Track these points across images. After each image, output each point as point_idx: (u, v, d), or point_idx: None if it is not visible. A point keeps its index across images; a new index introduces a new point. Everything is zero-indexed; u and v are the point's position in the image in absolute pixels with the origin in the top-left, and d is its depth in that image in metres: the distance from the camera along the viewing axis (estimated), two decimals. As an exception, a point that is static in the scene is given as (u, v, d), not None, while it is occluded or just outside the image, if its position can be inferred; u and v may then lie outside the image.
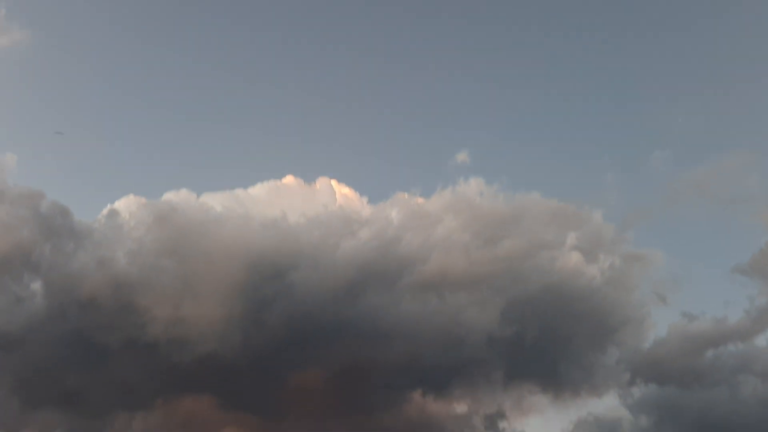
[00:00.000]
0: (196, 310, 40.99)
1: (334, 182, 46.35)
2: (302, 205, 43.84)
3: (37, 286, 42.07)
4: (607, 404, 61.76)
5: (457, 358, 43.41)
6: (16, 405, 52.60)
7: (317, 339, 45.08)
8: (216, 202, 41.30)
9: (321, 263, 39.43)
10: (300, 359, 50.52)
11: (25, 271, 41.63)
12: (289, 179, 47.29)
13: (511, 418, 63.13)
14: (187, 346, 42.28)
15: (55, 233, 39.63)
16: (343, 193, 45.99)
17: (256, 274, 39.03)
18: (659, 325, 53.04)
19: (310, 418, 58.66)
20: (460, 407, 52.04)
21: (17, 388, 50.34)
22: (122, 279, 40.38)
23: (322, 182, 46.45)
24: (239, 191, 43.74)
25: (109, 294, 40.40)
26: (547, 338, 42.90)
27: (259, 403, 54.03)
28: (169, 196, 41.15)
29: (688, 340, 40.85)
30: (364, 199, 46.83)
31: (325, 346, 44.98)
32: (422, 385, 50.67)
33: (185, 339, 41.93)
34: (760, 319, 41.43)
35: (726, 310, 63.38)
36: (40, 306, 43.97)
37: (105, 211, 40.22)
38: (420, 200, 44.15)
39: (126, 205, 40.48)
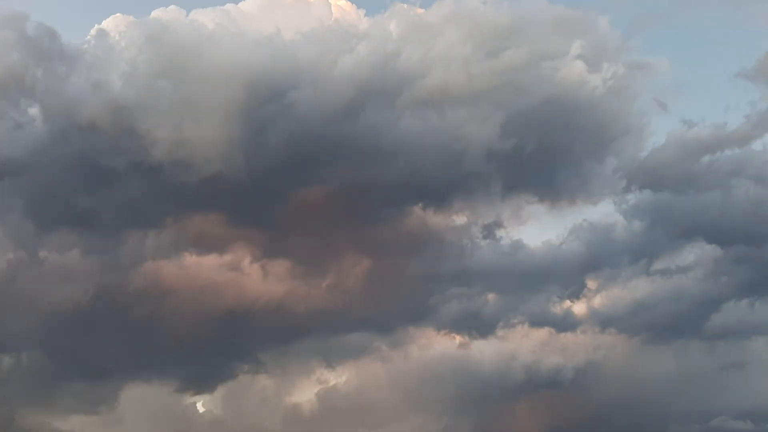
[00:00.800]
0: (197, 132, 41.02)
1: (328, -7, 44.25)
2: (297, 20, 42.21)
3: (35, 111, 41.75)
4: (602, 211, 63.82)
5: (456, 172, 44.16)
6: (31, 227, 54.49)
7: (318, 157, 45.63)
8: (207, 18, 39.73)
9: (319, 82, 38.85)
10: (302, 177, 51.47)
11: (21, 96, 41.11)
12: (281, -8, 45.14)
13: (508, 228, 65.24)
14: (191, 168, 42.88)
15: (45, 56, 38.68)
16: (338, 5, 44.05)
17: (254, 94, 38.58)
18: (658, 133, 53.49)
19: (314, 232, 60.93)
20: (459, 219, 53.82)
21: (30, 211, 51.86)
22: (119, 102, 40.03)
23: (315, -6, 44.38)
24: (230, 6, 41.90)
25: (108, 118, 40.22)
26: (546, 150, 43.38)
27: (265, 220, 55.90)
28: (158, 13, 39.52)
29: (686, 146, 41.31)
30: (361, 12, 44.97)
31: (327, 164, 45.63)
32: (422, 199, 52.04)
33: (189, 161, 42.42)
34: (759, 123, 41.55)
35: (726, 116, 63.50)
36: (41, 131, 43.93)
37: (93, 32, 38.88)
38: (420, 11, 42.38)
39: (114, 24, 39.03)
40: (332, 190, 54.33)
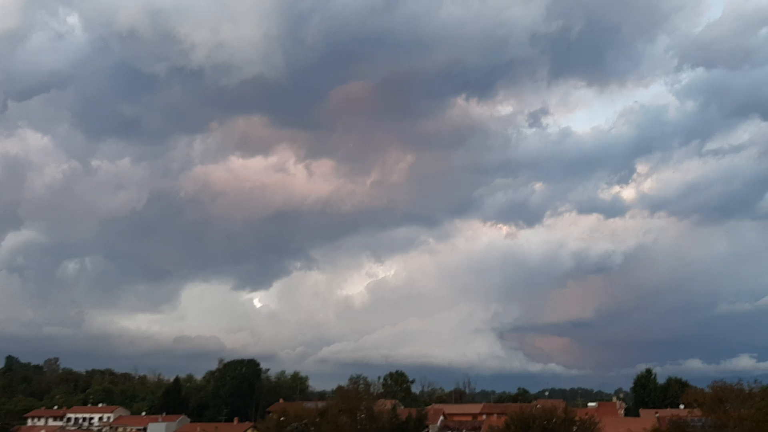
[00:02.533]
0: (235, 33, 40.42)
1: None
2: None
3: (74, 20, 41.40)
4: (654, 92, 61.93)
5: (500, 59, 42.98)
6: (81, 138, 55.06)
7: (357, 51, 44.67)
8: None
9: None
10: (342, 73, 50.45)
11: (59, 5, 40.65)
12: None
13: (555, 115, 63.66)
14: (231, 70, 42.57)
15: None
16: None
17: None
18: (714, 7, 50.78)
19: (356, 128, 60.59)
20: (504, 109, 52.85)
21: (78, 122, 52.22)
22: (157, 6, 39.39)
23: None
24: None
25: (146, 23, 39.79)
26: (593, 30, 41.72)
27: (307, 119, 55.53)
28: None
29: (743, 18, 39.38)
30: None
31: (366, 58, 44.78)
32: (465, 89, 50.83)
33: (229, 63, 42.06)
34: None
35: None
36: (81, 40, 43.53)
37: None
38: None
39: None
40: (372, 86, 53.28)
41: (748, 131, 41.79)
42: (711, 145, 42.07)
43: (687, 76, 42.26)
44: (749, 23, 39.15)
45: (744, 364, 29.72)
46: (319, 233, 59.10)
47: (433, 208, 56.45)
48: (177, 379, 34.40)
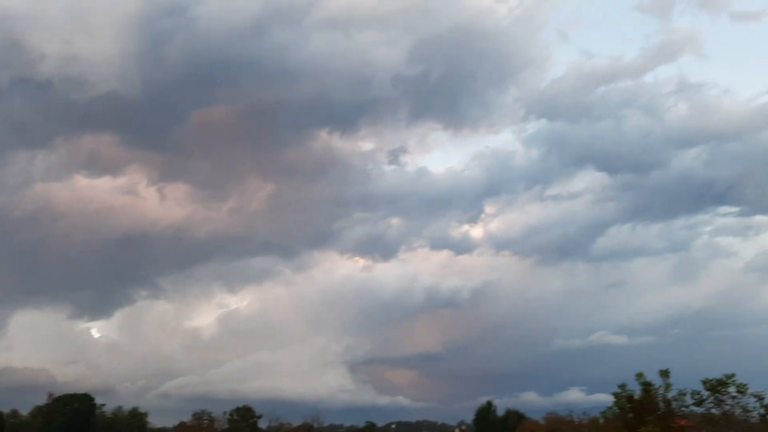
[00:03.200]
0: (90, 47, 38.47)
1: None
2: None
3: None
4: (503, 139, 65.69)
5: (364, 96, 43.97)
6: None
7: (221, 76, 43.92)
8: None
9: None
10: (204, 97, 49.34)
11: None
12: None
13: (414, 154, 65.87)
14: (84, 85, 40.28)
15: None
16: None
17: (153, 6, 36.46)
18: (559, 64, 55.34)
19: (215, 154, 59.16)
20: (366, 145, 53.92)
21: None
22: (3, 12, 36.72)
23: None
24: None
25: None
26: (451, 77, 43.90)
27: (163, 141, 53.52)
28: None
29: (582, 77, 43.02)
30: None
31: (230, 84, 44.09)
32: (329, 123, 51.47)
33: (81, 78, 39.77)
34: (653, 57, 43.83)
35: (623, 48, 66.38)
36: None
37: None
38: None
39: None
40: (235, 112, 52.55)
41: (584, 180, 45.40)
42: (551, 191, 45.25)
43: (532, 126, 45.37)
44: (588, 82, 42.85)
45: (575, 396, 31.96)
46: (169, 260, 56.74)
47: (291, 239, 56.04)
48: (0, 415, 31.43)
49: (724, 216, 40.41)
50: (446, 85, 43.83)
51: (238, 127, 54.13)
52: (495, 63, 43.82)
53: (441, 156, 62.02)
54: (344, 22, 40.61)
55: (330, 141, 50.46)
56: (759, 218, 40.30)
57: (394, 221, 50.89)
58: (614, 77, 42.13)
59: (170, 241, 56.19)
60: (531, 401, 32.38)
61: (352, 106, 44.96)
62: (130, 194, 57.42)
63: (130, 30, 38.25)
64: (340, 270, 54.43)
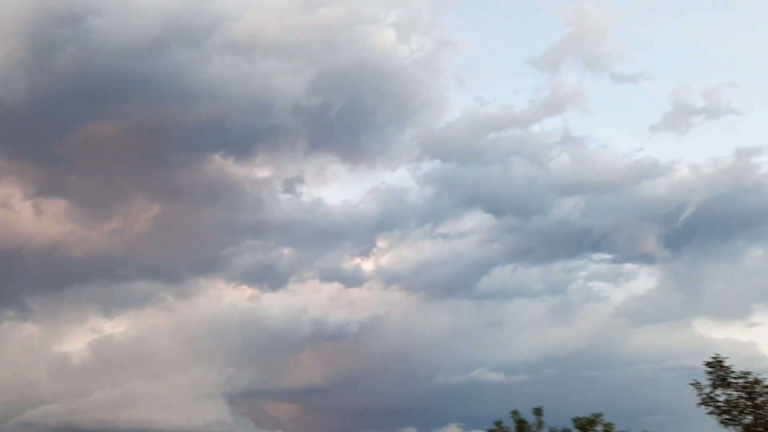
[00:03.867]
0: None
1: None
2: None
3: None
4: (399, 176, 66.77)
5: (262, 123, 43.56)
6: None
7: (113, 91, 42.23)
8: None
9: (124, 11, 35.89)
10: (93, 111, 47.19)
11: None
12: None
13: (310, 184, 65.89)
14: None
15: None
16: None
17: (47, 13, 34.77)
18: (454, 109, 57.26)
19: (100, 171, 56.40)
20: (262, 172, 53.35)
21: None
22: None
23: None
24: None
25: None
26: (351, 111, 44.40)
27: (43, 154, 50.54)
28: None
29: (476, 122, 44.64)
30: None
31: (122, 100, 42.47)
32: (224, 147, 50.54)
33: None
34: (540, 109, 46.24)
35: (513, 98, 69.59)
36: None
37: None
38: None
39: None
40: (125, 129, 50.54)
41: (472, 220, 46.75)
42: (441, 229, 46.27)
43: (427, 166, 46.36)
44: (481, 128, 44.41)
45: (452, 432, 32.52)
46: (40, 280, 53.16)
47: (176, 264, 53.96)
48: None
49: (598, 262, 42.75)
50: (346, 119, 44.17)
51: (127, 144, 52.13)
52: (395, 102, 44.68)
53: (337, 188, 62.26)
54: (247, 47, 40.18)
55: (224, 165, 49.49)
56: (628, 266, 42.85)
57: (286, 251, 50.24)
58: (505, 125, 43.97)
59: (44, 260, 52.79)
60: (411, 436, 32.71)
61: (250, 132, 44.34)
62: (3, 208, 53.81)
63: (18, 36, 36.27)
64: (225, 298, 53.01)
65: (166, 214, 54.47)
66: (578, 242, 43.10)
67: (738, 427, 11.55)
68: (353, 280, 48.41)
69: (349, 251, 49.57)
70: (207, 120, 43.68)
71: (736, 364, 11.74)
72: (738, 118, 44.76)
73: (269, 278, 50.86)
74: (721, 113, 44.14)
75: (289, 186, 50.79)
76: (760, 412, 11.40)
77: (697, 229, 39.39)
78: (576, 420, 17.48)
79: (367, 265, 49.60)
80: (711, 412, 11.63)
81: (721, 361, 11.65)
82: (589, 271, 44.89)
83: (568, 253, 44.87)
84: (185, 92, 40.21)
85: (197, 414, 43.26)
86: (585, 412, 17.70)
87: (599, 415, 17.34)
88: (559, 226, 42.93)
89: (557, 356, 39.52)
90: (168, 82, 39.34)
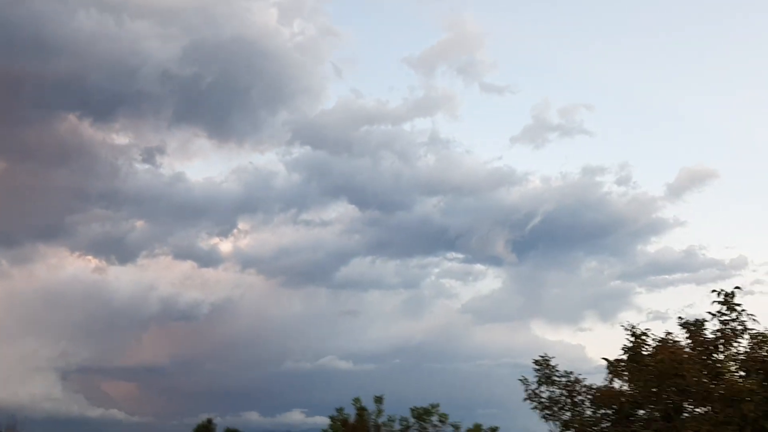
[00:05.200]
0: None
1: None
2: None
3: None
4: (268, 158, 65.76)
5: (126, 87, 41.38)
6: None
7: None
8: None
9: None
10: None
11: None
12: None
13: (172, 157, 63.21)
14: None
15: None
16: None
17: None
18: (331, 98, 57.34)
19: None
20: (120, 138, 50.51)
21: None
22: None
23: None
24: None
25: None
26: (224, 87, 43.18)
27: None
28: None
29: (350, 114, 44.99)
30: None
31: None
32: (81, 108, 47.48)
33: None
34: (413, 108, 47.37)
35: (389, 94, 70.79)
36: None
37: None
38: None
39: None
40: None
41: (336, 210, 47.09)
42: (305, 216, 46.23)
43: (297, 151, 46.11)
44: (354, 120, 44.80)
45: (296, 418, 32.60)
46: None
47: (14, 226, 50.01)
48: None
49: (451, 261, 44.59)
50: (218, 93, 42.92)
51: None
52: (271, 83, 43.98)
53: (201, 164, 60.49)
54: (117, 5, 38.02)
55: (79, 127, 46.39)
56: (478, 266, 45.12)
57: (139, 224, 47.99)
58: (378, 119, 44.66)
59: None
60: (252, 421, 32.37)
61: (111, 95, 41.98)
62: None
63: None
64: (68, 268, 49.77)
65: (10, 173, 50.31)
66: (435, 240, 44.72)
67: (557, 422, 12.35)
68: (209, 260, 47.14)
69: (207, 230, 48.12)
70: (66, 77, 40.86)
71: (565, 364, 12.54)
72: (588, 138, 48.41)
73: (118, 251, 48.31)
74: (574, 132, 47.56)
75: (149, 156, 48.44)
76: (577, 409, 12.25)
77: (543, 237, 42.15)
78: (414, 410, 18.13)
79: (225, 246, 48.39)
80: (535, 407, 12.36)
81: (548, 360, 12.42)
82: (442, 269, 46.72)
83: (425, 249, 46.45)
84: (45, 44, 37.46)
85: (25, 388, 40.40)
86: (425, 403, 18.42)
87: (436, 405, 18.09)
88: (419, 223, 44.34)
89: (404, 347, 40.80)
90: (26, 32, 36.46)
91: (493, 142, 66.30)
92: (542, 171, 55.31)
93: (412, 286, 45.77)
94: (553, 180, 45.17)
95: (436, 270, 46.18)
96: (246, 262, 46.44)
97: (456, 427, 17.99)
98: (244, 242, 48.07)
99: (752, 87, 57.98)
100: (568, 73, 58.01)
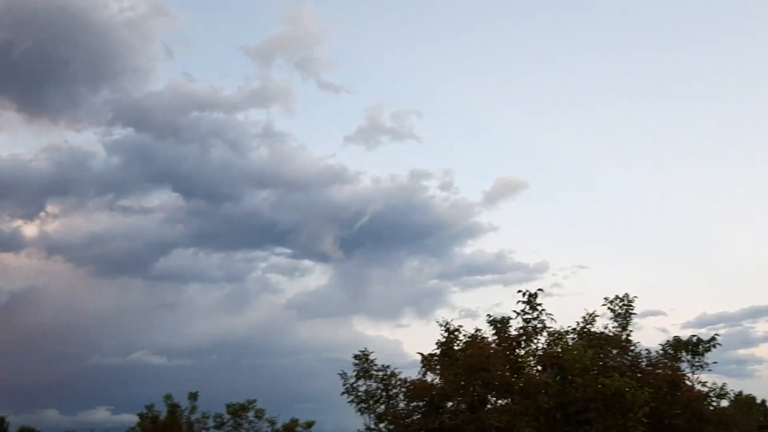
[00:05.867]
0: None
1: None
2: None
3: None
4: (84, 138, 61.13)
5: None
6: None
7: None
8: None
9: None
10: None
11: None
12: None
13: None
14: None
15: None
16: None
17: None
18: (160, 80, 54.44)
19: None
20: None
21: None
22: None
23: None
24: None
25: None
26: (40, 57, 39.53)
27: None
28: None
29: (180, 98, 43.02)
30: None
31: None
32: None
33: None
34: (248, 98, 46.27)
35: (223, 81, 68.65)
36: None
37: None
38: None
39: None
40: None
41: (159, 198, 44.88)
42: (124, 202, 43.52)
43: (119, 133, 43.30)
44: (184, 104, 42.91)
45: (100, 416, 30.54)
46: None
47: None
48: None
49: (279, 256, 44.19)
50: (31, 63, 39.31)
51: None
52: (93, 58, 41.03)
53: (7, 139, 55.07)
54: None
55: None
56: (306, 262, 45.15)
57: (-77, 200, 42.96)
58: (209, 106, 43.18)
59: None
60: (51, 419, 29.88)
61: None
62: None
63: None
64: None
65: None
66: (263, 234, 44.06)
67: (372, 415, 12.67)
68: (10, 244, 42.82)
69: (10, 212, 43.77)
70: None
71: (383, 359, 12.89)
72: (417, 143, 50.30)
73: None
74: (405, 137, 49.11)
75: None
76: (392, 402, 12.65)
77: (370, 236, 43.10)
78: (229, 406, 17.73)
79: (30, 230, 44.27)
80: (351, 401, 12.59)
81: (367, 355, 12.69)
82: (269, 263, 46.13)
83: (252, 243, 45.61)
84: None
85: None
86: (242, 399, 18.07)
87: (253, 401, 17.82)
88: (247, 216, 43.42)
89: (224, 343, 39.81)
90: None
91: (327, 139, 66.62)
92: (373, 171, 56.53)
93: (237, 280, 44.73)
94: (383, 181, 46.34)
95: (263, 264, 45.52)
96: (53, 248, 42.81)
97: (272, 422, 17.82)
98: (52, 227, 44.31)
99: (564, 105, 63.38)
100: (402, 79, 59.94)
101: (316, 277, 47.34)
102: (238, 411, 17.61)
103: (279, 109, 54.43)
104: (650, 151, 58.13)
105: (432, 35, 60.53)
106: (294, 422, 18.34)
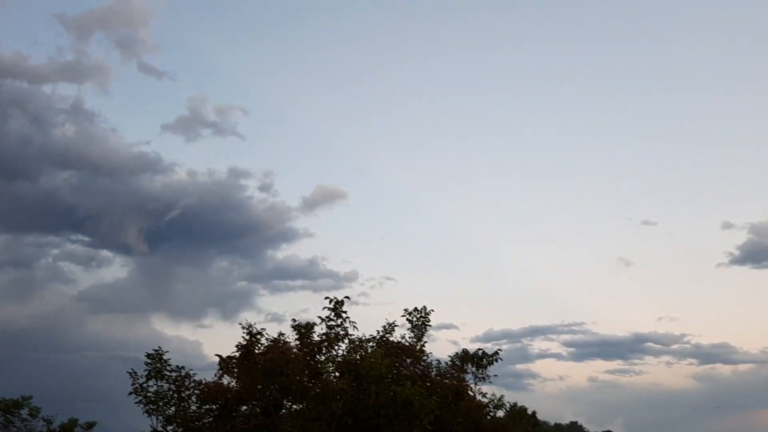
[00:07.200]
0: None
1: None
2: None
3: None
4: None
5: None
6: None
7: None
8: None
9: None
10: None
11: None
12: None
13: None
14: None
15: None
16: None
17: None
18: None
19: None
20: None
21: None
22: None
23: None
24: None
25: None
26: None
27: None
28: None
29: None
30: None
31: None
32: None
33: None
34: (59, 70, 42.58)
35: (32, 49, 62.45)
36: None
37: None
38: None
39: None
40: None
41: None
42: None
43: None
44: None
45: None
46: None
47: None
48: None
49: (75, 243, 41.13)
50: None
51: None
52: None
53: None
54: None
55: None
56: (105, 252, 42.46)
57: None
58: (13, 74, 39.32)
59: None
60: None
61: None
62: None
63: None
64: None
65: None
66: (60, 218, 40.73)
67: (160, 417, 12.19)
68: None
69: None
70: None
71: (180, 360, 12.46)
72: (240, 140, 49.38)
73: None
74: (227, 132, 48.05)
75: None
76: (183, 404, 12.25)
77: (179, 231, 41.50)
78: (0, 401, 16.13)
79: None
80: (139, 401, 12.04)
81: (161, 354, 12.22)
82: (63, 250, 42.71)
83: (45, 227, 41.96)
84: None
85: None
86: (16, 395, 16.51)
87: (28, 398, 16.33)
88: (43, 197, 39.91)
89: (2, 334, 36.22)
90: None
91: (143, 125, 63.40)
92: (190, 164, 54.65)
93: (24, 266, 40.91)
94: (199, 175, 44.96)
95: (55, 251, 42.08)
96: None
97: (48, 421, 16.40)
98: None
99: (392, 125, 65.70)
100: (231, 74, 58.66)
101: (115, 269, 44.72)
102: (9, 407, 16.02)
103: (92, 86, 50.85)
104: (460, 175, 62.16)
105: (266, 35, 59.97)
106: (73, 422, 17.03)
